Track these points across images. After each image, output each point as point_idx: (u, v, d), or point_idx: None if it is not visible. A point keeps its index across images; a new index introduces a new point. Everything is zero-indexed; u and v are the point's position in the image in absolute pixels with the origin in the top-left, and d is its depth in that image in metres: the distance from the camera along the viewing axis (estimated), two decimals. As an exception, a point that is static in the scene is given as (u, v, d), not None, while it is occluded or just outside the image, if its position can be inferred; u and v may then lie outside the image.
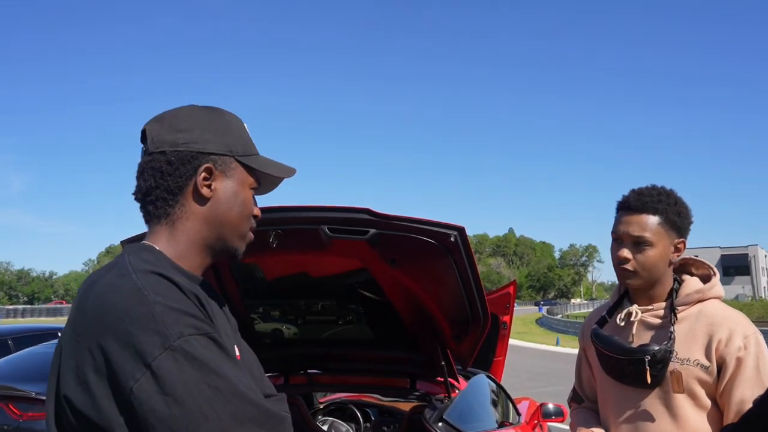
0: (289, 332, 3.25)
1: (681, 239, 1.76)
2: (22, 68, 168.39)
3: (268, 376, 3.56)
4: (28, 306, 78.91)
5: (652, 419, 1.70)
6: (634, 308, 1.80)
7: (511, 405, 4.17)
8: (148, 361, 0.88)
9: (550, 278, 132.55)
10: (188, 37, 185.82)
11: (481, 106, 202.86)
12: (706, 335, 1.68)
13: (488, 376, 3.98)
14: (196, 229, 1.10)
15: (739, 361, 1.62)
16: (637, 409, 1.73)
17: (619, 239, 1.77)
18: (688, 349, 1.68)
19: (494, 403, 3.70)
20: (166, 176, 1.09)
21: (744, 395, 1.59)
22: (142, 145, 1.14)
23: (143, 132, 1.13)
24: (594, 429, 1.83)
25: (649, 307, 1.79)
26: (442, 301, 2.58)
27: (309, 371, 3.48)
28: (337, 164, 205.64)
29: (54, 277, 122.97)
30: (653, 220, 1.72)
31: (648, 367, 1.65)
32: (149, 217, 1.12)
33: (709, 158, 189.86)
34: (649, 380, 1.67)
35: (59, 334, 8.10)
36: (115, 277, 0.98)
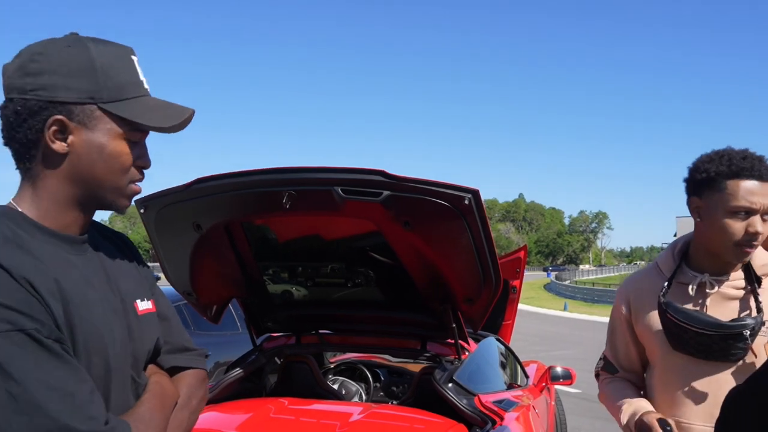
0: (300, 293, 3.27)
1: None
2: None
3: (281, 336, 3.57)
4: None
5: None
6: (707, 278, 1.68)
7: (519, 367, 4.21)
8: None
9: (559, 244, 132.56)
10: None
11: (491, 71, 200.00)
12: None
13: (498, 339, 4.01)
14: (58, 188, 1.01)
15: None
16: (713, 383, 1.65)
17: (751, 212, 1.60)
18: None
19: (503, 366, 3.73)
20: (15, 129, 0.98)
21: None
22: None
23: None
24: (650, 412, 1.69)
25: (723, 278, 1.69)
26: (454, 264, 2.57)
27: (320, 331, 3.51)
28: (348, 125, 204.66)
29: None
30: None
31: (750, 343, 1.57)
32: (18, 169, 1.03)
33: (717, 128, 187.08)
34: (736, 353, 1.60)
35: None
36: None
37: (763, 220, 1.60)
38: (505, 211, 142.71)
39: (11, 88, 0.99)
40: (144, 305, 1.11)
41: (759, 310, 1.60)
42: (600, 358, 2.02)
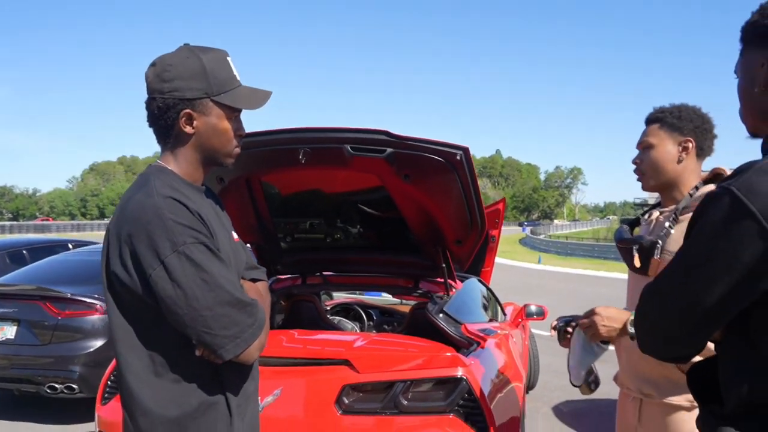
0: (306, 240, 3.67)
1: (686, 138, 1.94)
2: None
3: (287, 278, 3.97)
4: (15, 222, 78.83)
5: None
6: (656, 210, 2.03)
7: (498, 305, 4.70)
8: (161, 258, 1.28)
9: (535, 199, 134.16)
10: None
11: (470, 27, 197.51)
12: None
13: (479, 280, 4.48)
14: (190, 154, 1.45)
15: None
16: (636, 292, 2.04)
17: (638, 150, 2.03)
18: (679, 243, 1.93)
19: (484, 302, 4.21)
20: (159, 118, 1.42)
21: None
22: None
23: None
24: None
25: (666, 209, 1.99)
26: (447, 211, 2.98)
27: (324, 273, 3.92)
28: (319, 82, 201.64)
29: (38, 194, 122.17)
30: (654, 126, 1.98)
31: (637, 254, 1.93)
32: (158, 142, 1.48)
33: (694, 84, 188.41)
34: (637, 264, 1.95)
35: (70, 246, 8.51)
36: (144, 197, 1.34)
37: (644, 153, 1.99)
38: (482, 167, 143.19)
39: (153, 90, 1.41)
40: (235, 236, 1.58)
41: (661, 232, 1.92)
42: None
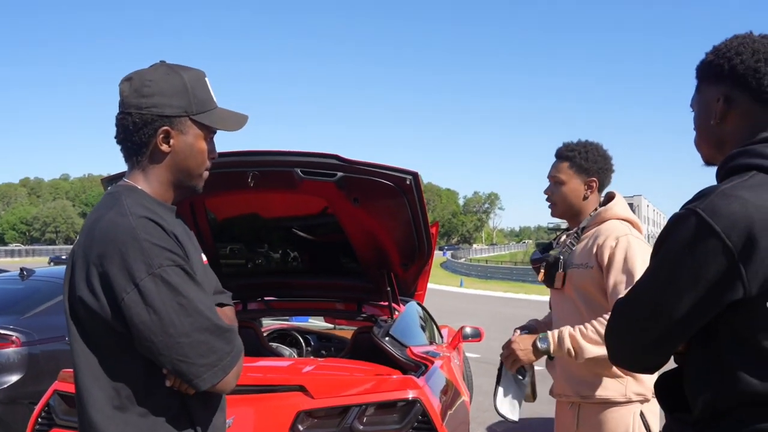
0: (248, 265, 3.60)
1: (591, 178, 2.23)
2: None
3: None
4: None
5: (561, 310, 2.22)
6: (564, 233, 2.32)
7: (436, 328, 4.77)
8: (136, 281, 1.21)
9: (454, 224, 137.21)
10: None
11: (387, 50, 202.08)
12: (594, 243, 2.12)
13: (418, 303, 4.54)
14: (162, 174, 1.38)
15: (611, 256, 2.03)
16: (556, 305, 2.27)
17: (549, 181, 2.30)
18: (582, 257, 2.13)
19: (425, 325, 4.26)
20: (133, 134, 1.35)
21: (615, 280, 2.00)
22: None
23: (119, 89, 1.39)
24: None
25: (571, 231, 2.28)
26: (394, 234, 3.03)
27: (266, 298, 3.85)
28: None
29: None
30: (564, 164, 2.24)
31: (543, 270, 2.21)
32: (126, 160, 1.41)
33: (601, 112, 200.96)
34: (541, 278, 2.24)
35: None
36: (116, 216, 1.28)
37: (556, 188, 2.26)
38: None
39: (129, 104, 1.35)
40: (204, 258, 1.49)
41: (563, 249, 2.21)
42: None
